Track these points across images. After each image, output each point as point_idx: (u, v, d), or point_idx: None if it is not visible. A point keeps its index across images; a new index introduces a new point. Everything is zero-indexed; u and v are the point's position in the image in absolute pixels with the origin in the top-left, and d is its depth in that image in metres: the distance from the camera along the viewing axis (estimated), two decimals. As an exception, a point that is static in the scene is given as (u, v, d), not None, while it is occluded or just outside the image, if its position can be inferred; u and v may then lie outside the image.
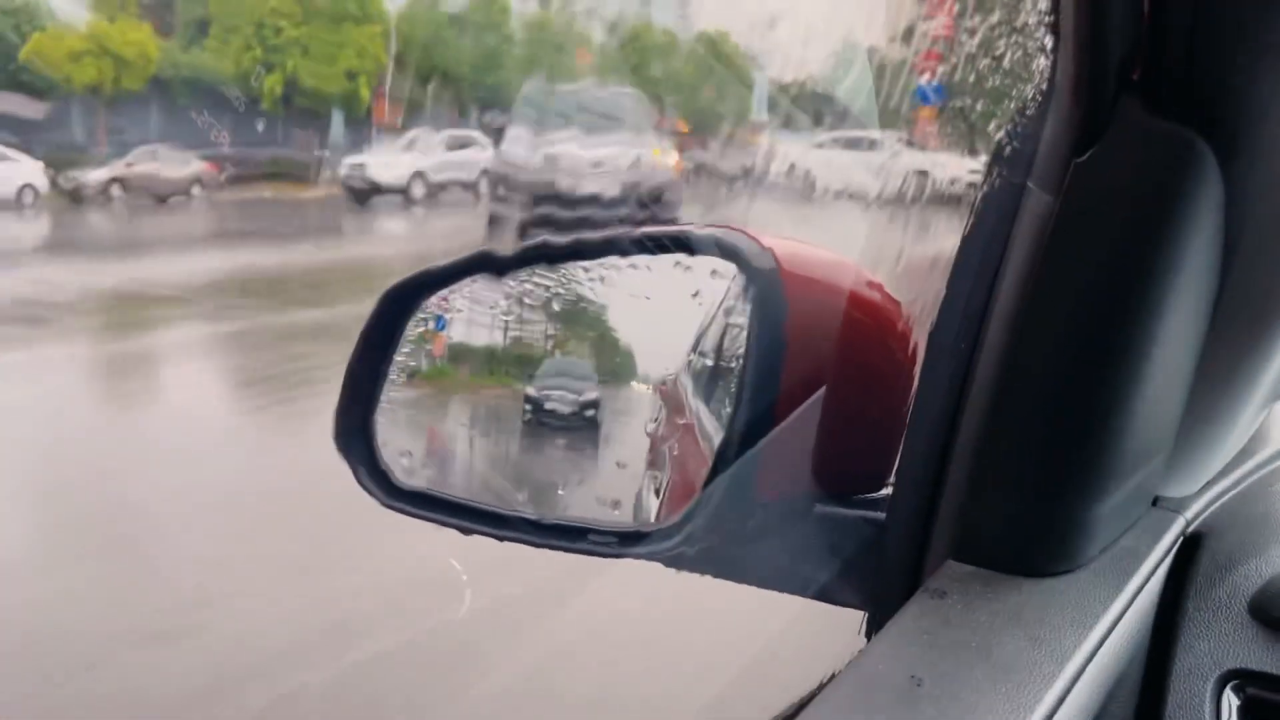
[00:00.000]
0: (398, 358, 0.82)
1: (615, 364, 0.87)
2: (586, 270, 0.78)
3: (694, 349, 0.88)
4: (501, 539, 0.79)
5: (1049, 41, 0.56)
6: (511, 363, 0.88)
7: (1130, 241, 0.57)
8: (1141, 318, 0.59)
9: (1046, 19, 0.55)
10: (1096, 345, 0.60)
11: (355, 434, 0.82)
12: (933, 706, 0.52)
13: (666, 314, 0.82)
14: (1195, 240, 0.57)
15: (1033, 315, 0.61)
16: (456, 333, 0.86)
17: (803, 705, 0.54)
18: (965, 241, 0.65)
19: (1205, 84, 0.54)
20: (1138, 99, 0.55)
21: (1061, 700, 0.54)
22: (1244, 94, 0.54)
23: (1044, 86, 0.58)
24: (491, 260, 0.79)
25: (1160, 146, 0.55)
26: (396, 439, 0.83)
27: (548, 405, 0.88)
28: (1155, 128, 0.55)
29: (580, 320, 0.85)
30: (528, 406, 0.88)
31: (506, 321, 0.84)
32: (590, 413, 0.86)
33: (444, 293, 0.81)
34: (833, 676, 0.60)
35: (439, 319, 0.85)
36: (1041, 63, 0.57)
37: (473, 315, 0.85)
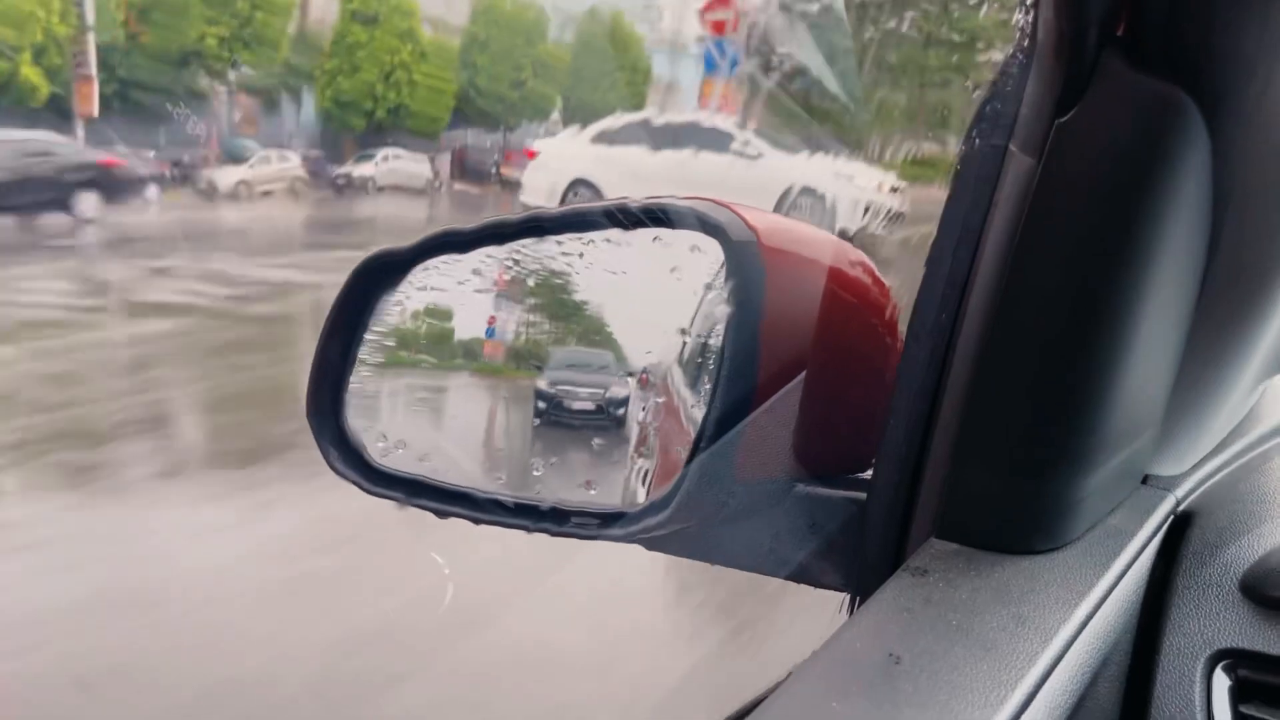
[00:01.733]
0: (368, 337, 0.80)
1: (598, 346, 0.84)
2: (560, 244, 0.76)
3: (684, 329, 0.87)
4: (478, 521, 0.77)
5: (1028, -4, 0.54)
6: (517, 351, 0.83)
7: (1116, 204, 0.55)
8: (1128, 285, 0.57)
9: (1026, -28, 0.53)
10: (1081, 315, 0.58)
11: (327, 415, 0.80)
12: (910, 684, 0.50)
13: (646, 291, 0.80)
14: (1183, 201, 0.56)
15: (1015, 284, 0.59)
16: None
17: (779, 685, 0.52)
18: (947, 209, 0.63)
19: (1190, 38, 0.52)
20: (1121, 55, 0.53)
21: (1044, 679, 0.52)
22: (1229, 48, 0.52)
23: (1024, 44, 0.56)
24: (455, 237, 0.77)
25: (1145, 103, 0.53)
26: (387, 424, 0.81)
27: (570, 403, 0.81)
28: (1139, 84, 0.53)
29: (558, 299, 0.82)
30: (541, 403, 0.82)
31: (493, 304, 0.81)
32: (620, 411, 0.80)
33: (416, 270, 0.80)
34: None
35: (489, 330, 0.82)
36: (1019, 18, 0.55)
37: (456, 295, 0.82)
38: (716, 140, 13.60)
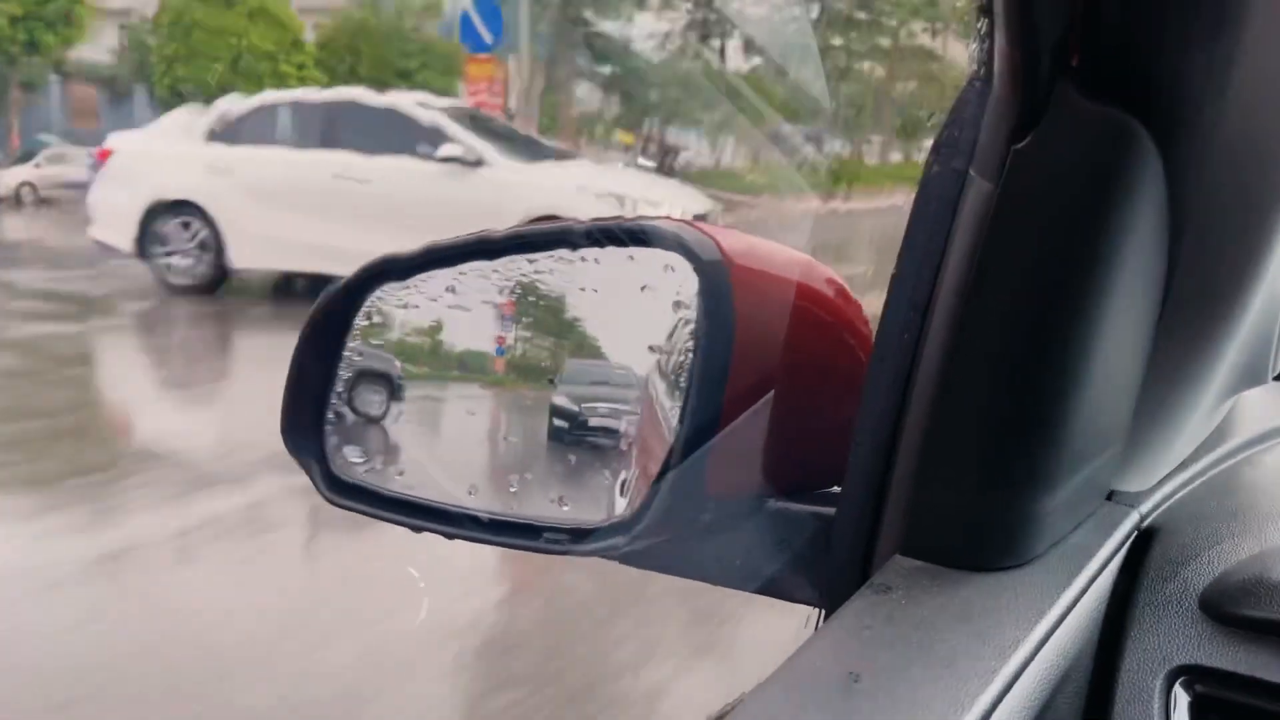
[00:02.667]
0: (345, 353, 0.81)
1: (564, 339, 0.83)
2: (532, 263, 0.77)
3: (663, 346, 0.87)
4: (451, 537, 0.78)
5: (982, 25, 0.55)
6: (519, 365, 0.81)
7: (1072, 228, 0.57)
8: (1087, 305, 0.58)
9: (980, 1, 0.54)
10: (1041, 334, 0.60)
11: (304, 430, 0.81)
12: (869, 702, 0.51)
13: (618, 309, 0.81)
14: (1138, 225, 0.57)
15: (976, 305, 0.61)
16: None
17: (733, 706, 0.53)
18: (909, 231, 0.64)
19: (1141, 68, 0.53)
20: (1074, 84, 0.54)
21: (1003, 695, 0.53)
22: (1179, 76, 0.53)
23: (981, 72, 0.57)
24: (440, 253, 0.78)
25: (1098, 130, 0.54)
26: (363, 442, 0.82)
27: (594, 421, 0.78)
28: (1092, 112, 0.54)
29: (539, 316, 0.83)
30: (561, 421, 0.78)
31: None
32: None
33: (397, 286, 0.80)
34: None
35: (499, 349, 0.81)
36: (972, 46, 0.56)
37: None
38: (409, 135, 9.53)
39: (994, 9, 0.53)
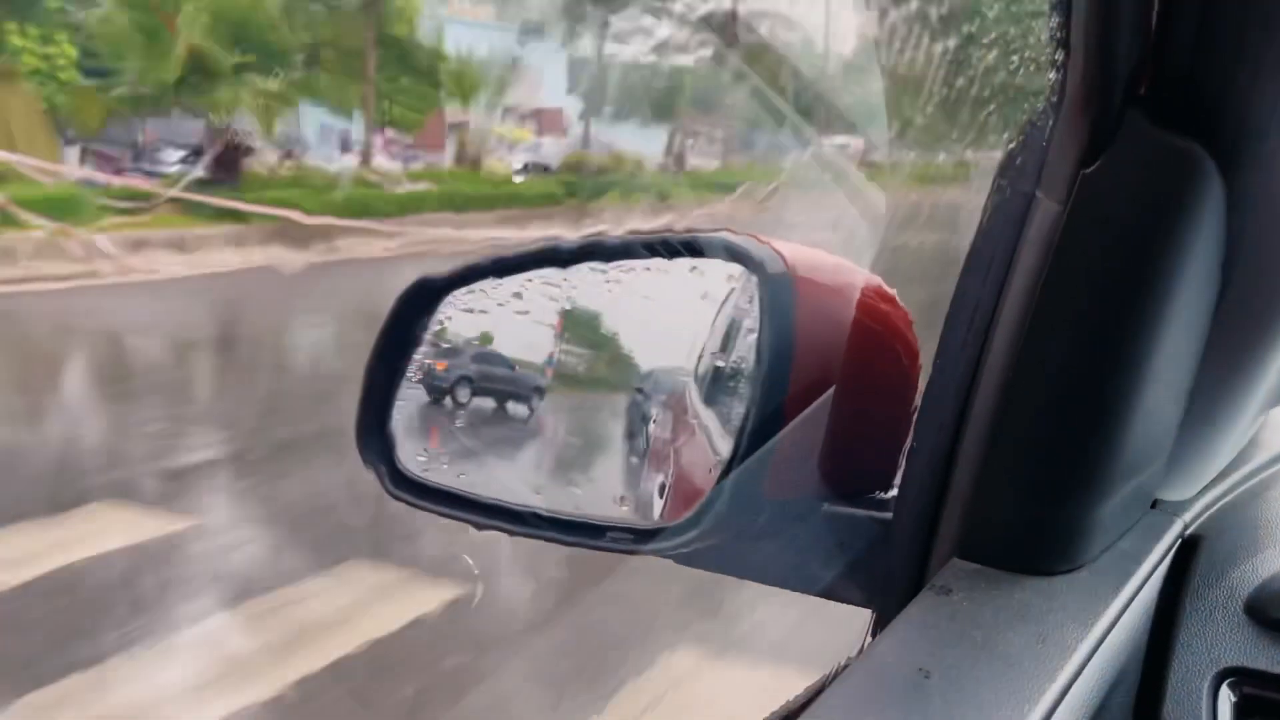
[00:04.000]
0: (416, 357, 0.83)
1: (625, 366, 0.88)
2: (603, 273, 0.80)
3: (702, 351, 0.90)
4: (515, 534, 0.80)
5: (1059, 56, 0.58)
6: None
7: (1134, 250, 0.59)
8: (1144, 325, 0.61)
9: (1057, 34, 0.57)
10: (1100, 351, 0.62)
11: (373, 432, 0.83)
12: (940, 699, 0.54)
13: (677, 317, 0.84)
14: (1197, 249, 0.59)
15: (1039, 321, 0.63)
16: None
17: (811, 698, 0.56)
18: (974, 248, 0.66)
19: (1208, 98, 0.56)
20: (1143, 112, 0.57)
21: (1064, 695, 0.56)
22: (1244, 108, 0.56)
23: (1053, 99, 0.60)
24: (505, 262, 0.81)
25: (1165, 158, 0.57)
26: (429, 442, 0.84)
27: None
28: (1160, 140, 0.57)
29: (595, 322, 0.86)
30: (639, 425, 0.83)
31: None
32: None
33: (460, 292, 0.83)
34: (840, 669, 0.62)
35: (549, 359, 0.85)
36: (1051, 76, 0.59)
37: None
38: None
39: (1070, 38, 0.56)
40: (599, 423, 0.85)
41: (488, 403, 0.87)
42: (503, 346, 0.87)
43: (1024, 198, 0.63)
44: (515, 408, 0.86)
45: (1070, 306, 0.62)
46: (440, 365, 0.85)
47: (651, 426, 0.88)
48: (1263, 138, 0.57)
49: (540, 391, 0.87)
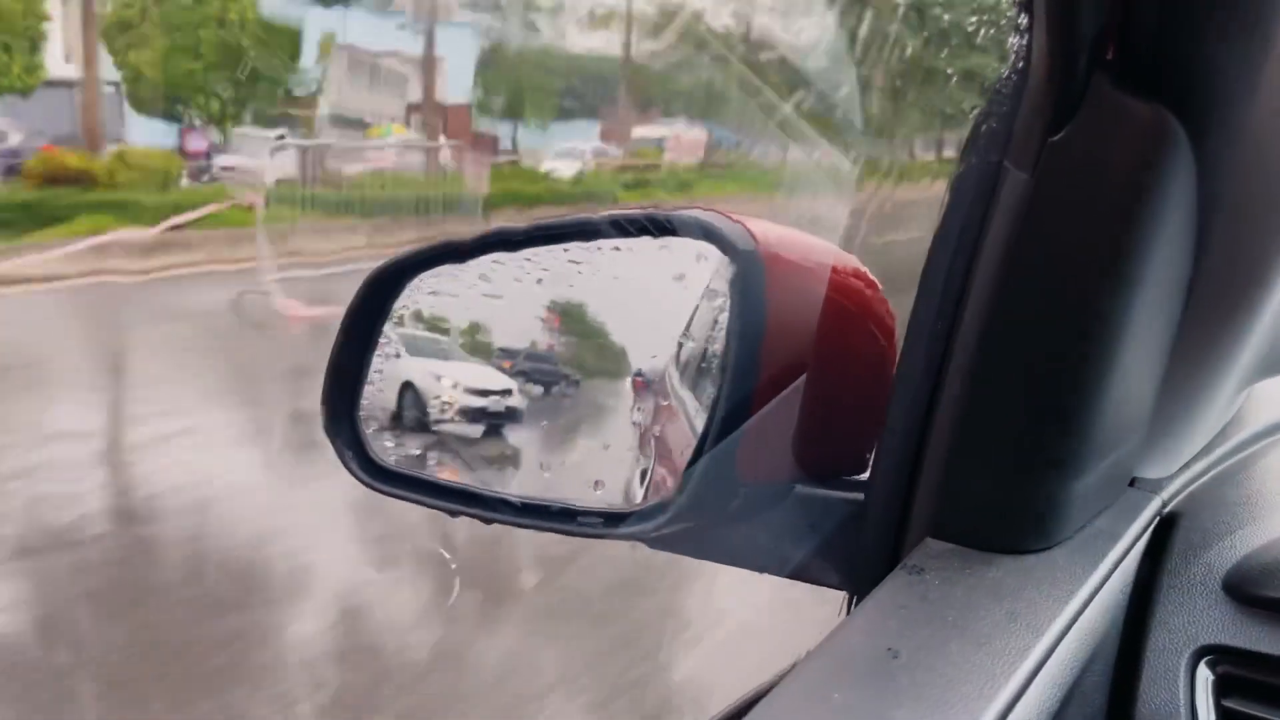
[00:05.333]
0: (381, 341, 0.82)
1: (604, 350, 0.87)
2: (566, 251, 0.78)
3: (682, 333, 0.89)
4: (489, 521, 0.79)
5: (1023, 20, 0.56)
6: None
7: (1105, 220, 0.58)
8: (1117, 296, 0.60)
9: (1020, -2, 0.55)
10: (1072, 324, 0.61)
11: (342, 420, 0.82)
12: (908, 677, 0.53)
13: (649, 297, 0.83)
14: (1169, 217, 0.58)
15: (1010, 294, 0.62)
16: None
17: (779, 680, 0.55)
18: (943, 221, 0.65)
19: (1176, 61, 0.55)
20: (1110, 77, 0.56)
21: (1035, 672, 0.55)
22: (1214, 71, 0.55)
23: (1019, 66, 0.59)
24: (456, 246, 0.80)
25: (1133, 124, 0.56)
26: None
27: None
28: (1128, 105, 0.56)
29: (566, 304, 0.85)
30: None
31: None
32: None
33: (424, 275, 0.82)
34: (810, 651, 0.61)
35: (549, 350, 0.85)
36: (1014, 40, 0.57)
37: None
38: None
39: (1034, 3, 0.55)
40: (583, 408, 0.84)
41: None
42: (495, 332, 0.86)
43: (992, 168, 0.62)
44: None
45: (1041, 279, 0.61)
46: (506, 364, 0.84)
47: (635, 412, 0.87)
48: (1233, 102, 0.56)
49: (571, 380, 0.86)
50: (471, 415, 0.85)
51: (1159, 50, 0.55)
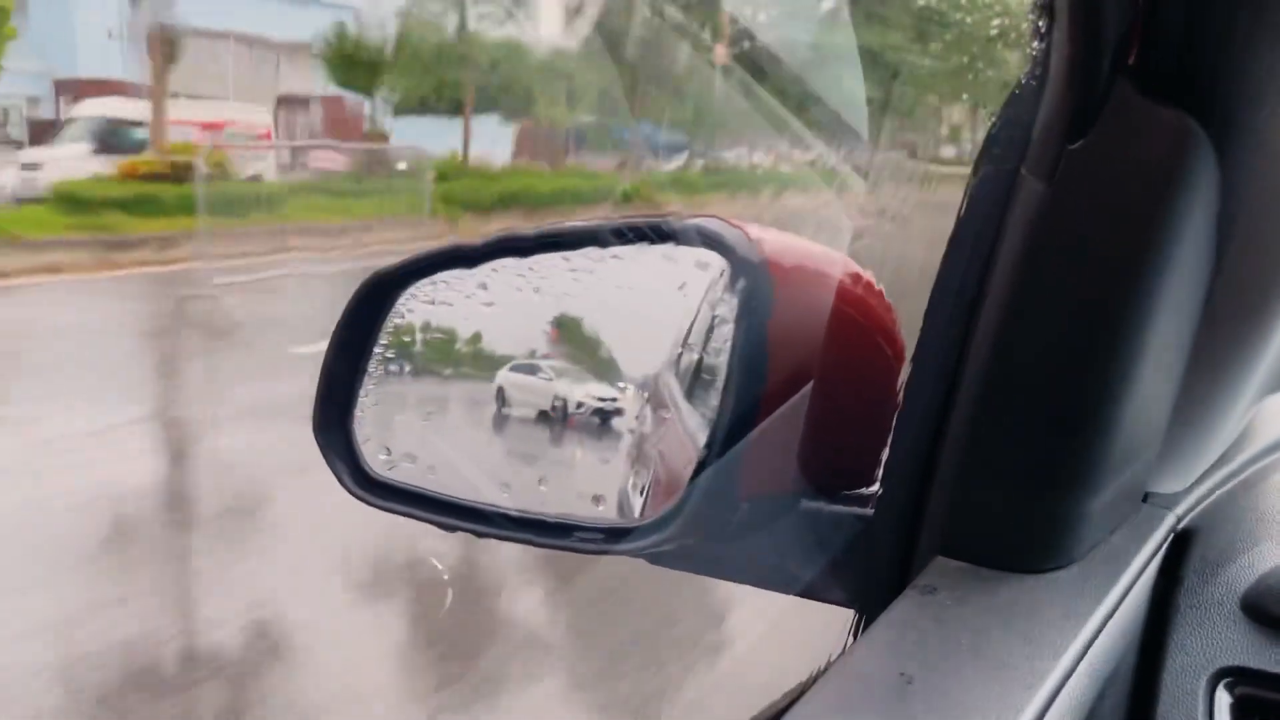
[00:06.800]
0: (376, 350, 0.80)
1: (601, 359, 0.85)
2: (566, 260, 0.76)
3: (681, 343, 0.87)
4: (484, 536, 0.77)
5: (1043, 23, 0.55)
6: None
7: (1124, 231, 0.56)
8: (1134, 310, 0.58)
9: (1039, 1, 0.54)
10: (1088, 338, 0.59)
11: (334, 430, 0.80)
12: (923, 704, 0.51)
13: (651, 306, 0.81)
14: (1190, 229, 0.57)
15: (1024, 306, 0.60)
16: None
17: (791, 702, 0.53)
18: (957, 229, 0.63)
19: (1201, 67, 0.53)
20: (1133, 83, 0.54)
21: (1053, 698, 0.53)
22: (1239, 78, 0.53)
23: (1037, 70, 0.57)
24: (463, 252, 0.77)
25: (1156, 131, 0.54)
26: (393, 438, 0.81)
27: None
28: (1150, 112, 0.54)
29: (567, 314, 0.83)
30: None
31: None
32: None
33: (420, 284, 0.80)
34: (821, 672, 0.59)
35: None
36: (1034, 45, 0.56)
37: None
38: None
39: (1055, 6, 0.53)
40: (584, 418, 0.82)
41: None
42: (497, 343, 0.85)
43: (1008, 175, 0.60)
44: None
45: (1058, 290, 0.59)
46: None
47: (634, 422, 0.85)
48: (1258, 108, 0.54)
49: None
50: (596, 412, 0.85)
51: (1183, 55, 0.53)
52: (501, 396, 0.83)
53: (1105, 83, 0.54)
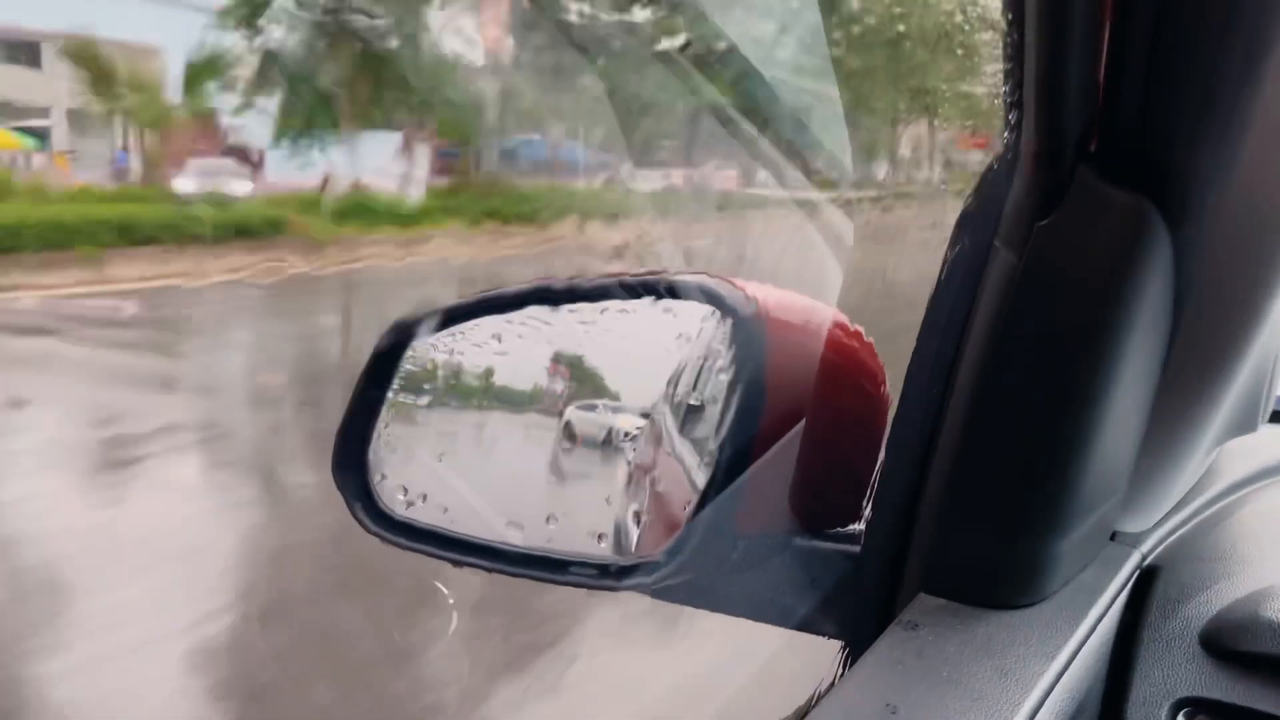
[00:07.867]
0: (390, 394, 0.85)
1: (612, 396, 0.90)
2: (573, 312, 0.82)
3: (672, 384, 0.92)
4: (492, 571, 0.82)
5: (1013, 116, 0.61)
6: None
7: (1089, 299, 0.62)
8: (1099, 368, 0.63)
9: (1010, 96, 0.59)
10: (1057, 394, 0.65)
11: (351, 467, 0.85)
12: None
13: (653, 356, 0.86)
14: (1148, 296, 0.62)
15: (999, 366, 0.66)
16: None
17: None
18: (936, 294, 0.69)
19: (1155, 156, 0.59)
20: (1093, 169, 0.60)
21: None
22: (1190, 165, 0.59)
23: (1009, 155, 0.63)
24: (497, 301, 0.82)
25: (1115, 212, 0.60)
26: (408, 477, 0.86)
27: None
28: (1110, 195, 0.60)
29: (585, 363, 0.88)
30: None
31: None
32: None
33: (451, 330, 0.85)
34: (812, 704, 0.63)
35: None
36: (1005, 135, 0.61)
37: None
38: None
39: (1023, 100, 0.59)
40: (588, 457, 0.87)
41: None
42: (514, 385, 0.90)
43: (983, 247, 0.66)
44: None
45: (1028, 352, 0.65)
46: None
47: (630, 455, 0.90)
48: (1207, 190, 0.60)
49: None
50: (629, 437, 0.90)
51: (1139, 145, 0.59)
52: (570, 430, 0.90)
53: (1069, 168, 0.60)
